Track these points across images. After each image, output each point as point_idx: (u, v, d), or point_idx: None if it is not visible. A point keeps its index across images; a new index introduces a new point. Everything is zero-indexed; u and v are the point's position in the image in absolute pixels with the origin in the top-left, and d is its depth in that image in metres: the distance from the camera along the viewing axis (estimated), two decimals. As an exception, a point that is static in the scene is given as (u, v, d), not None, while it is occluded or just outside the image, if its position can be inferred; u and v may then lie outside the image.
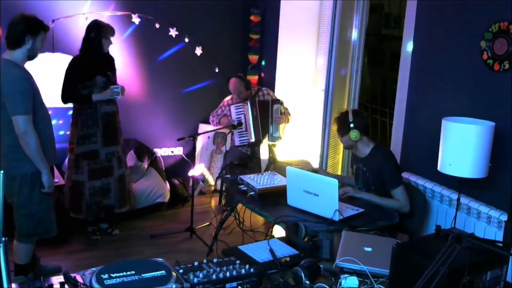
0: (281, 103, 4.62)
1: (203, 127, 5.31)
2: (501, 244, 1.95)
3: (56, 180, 4.03)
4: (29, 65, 3.20)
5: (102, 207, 4.15)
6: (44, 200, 3.22)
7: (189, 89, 5.42)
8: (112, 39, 4.05)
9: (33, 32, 3.07)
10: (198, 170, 5.15)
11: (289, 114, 4.70)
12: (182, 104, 5.41)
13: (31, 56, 3.14)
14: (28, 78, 3.07)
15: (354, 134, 3.15)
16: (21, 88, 3.00)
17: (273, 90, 5.20)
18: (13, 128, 3.01)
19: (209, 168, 5.44)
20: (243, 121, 4.57)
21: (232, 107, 4.64)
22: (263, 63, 5.60)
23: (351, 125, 3.15)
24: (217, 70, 5.44)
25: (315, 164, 4.80)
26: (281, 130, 4.65)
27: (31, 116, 3.03)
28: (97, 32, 3.95)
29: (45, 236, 3.32)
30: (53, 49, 4.47)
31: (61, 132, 4.75)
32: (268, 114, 4.53)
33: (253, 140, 4.55)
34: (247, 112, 4.52)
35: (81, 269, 1.80)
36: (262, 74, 5.62)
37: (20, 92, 2.99)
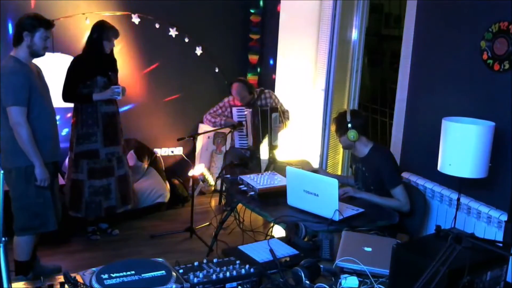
0: (280, 109, 4.54)
1: (203, 127, 5.30)
2: (501, 244, 1.95)
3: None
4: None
5: (103, 208, 4.15)
6: (40, 194, 3.22)
7: (189, 89, 5.42)
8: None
9: (30, 29, 3.11)
10: (198, 170, 5.15)
11: (288, 119, 4.67)
12: (182, 104, 5.41)
13: (34, 53, 3.17)
14: (24, 73, 3.10)
15: (352, 134, 3.15)
16: (14, 80, 3.05)
17: (273, 90, 5.20)
18: (8, 120, 3.07)
19: (209, 168, 5.44)
20: (244, 124, 4.55)
21: (234, 110, 4.62)
22: (263, 63, 5.60)
23: (349, 125, 3.14)
24: (217, 70, 5.45)
25: (315, 164, 4.80)
26: (279, 138, 4.61)
27: (24, 109, 3.07)
28: (100, 33, 3.96)
29: (41, 230, 3.32)
30: (53, 49, 4.47)
31: (63, 133, 4.74)
32: (267, 123, 4.49)
33: (251, 145, 4.54)
34: (249, 119, 4.50)
35: (81, 269, 1.80)
36: (263, 75, 5.61)
37: (13, 84, 3.04)
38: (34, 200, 3.21)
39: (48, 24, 3.20)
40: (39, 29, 3.14)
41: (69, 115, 4.75)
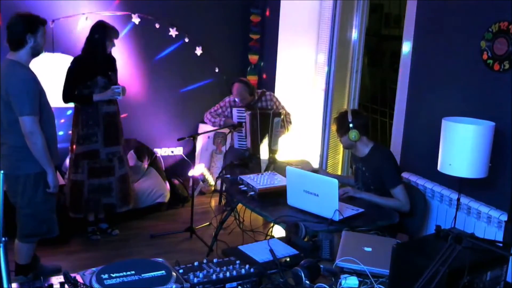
0: (283, 114, 4.50)
1: (203, 127, 5.31)
2: (501, 244, 1.95)
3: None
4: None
5: (102, 205, 4.16)
6: (47, 200, 3.22)
7: (189, 89, 5.43)
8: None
9: (33, 30, 3.06)
10: (198, 170, 5.15)
11: (290, 122, 4.64)
12: (182, 104, 5.41)
13: (36, 53, 3.13)
14: (34, 79, 3.08)
15: (353, 134, 3.15)
16: (28, 89, 3.00)
17: (273, 90, 5.20)
18: (17, 128, 3.01)
19: (209, 168, 5.44)
20: (243, 125, 4.55)
21: (235, 110, 4.61)
22: (262, 63, 5.61)
23: (350, 125, 3.14)
24: (217, 70, 5.45)
25: (315, 164, 4.80)
26: (279, 142, 4.59)
27: (37, 117, 3.03)
28: (102, 34, 3.95)
29: (48, 236, 3.32)
30: (53, 49, 4.47)
31: (61, 133, 4.74)
32: (268, 127, 4.46)
33: (249, 147, 4.53)
34: (248, 122, 4.48)
35: (81, 269, 1.80)
36: (264, 76, 5.61)
37: (27, 93, 2.99)
38: (42, 206, 3.21)
39: (44, 21, 3.17)
40: (40, 27, 3.11)
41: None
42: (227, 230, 4.12)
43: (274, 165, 4.09)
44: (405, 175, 3.54)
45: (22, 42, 3.05)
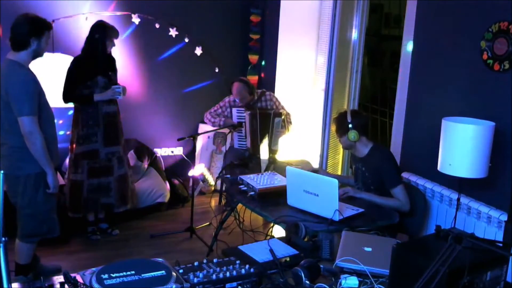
0: (283, 114, 4.49)
1: (203, 127, 5.31)
2: (501, 244, 1.95)
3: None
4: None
5: (100, 204, 4.16)
6: (48, 200, 3.22)
7: (189, 89, 5.43)
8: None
9: (38, 34, 3.05)
10: (198, 170, 5.15)
11: (290, 123, 4.64)
12: (182, 104, 5.41)
13: (36, 56, 3.13)
14: (34, 80, 3.07)
15: (352, 135, 3.15)
16: (28, 89, 3.00)
17: (273, 90, 5.20)
18: (18, 128, 3.01)
19: (209, 168, 5.44)
20: (243, 125, 4.54)
21: (234, 110, 4.61)
22: (263, 63, 5.61)
23: (350, 125, 3.14)
24: (217, 70, 5.45)
25: (315, 164, 4.80)
26: (280, 142, 4.59)
27: (36, 117, 3.03)
28: (102, 34, 3.95)
29: (48, 236, 3.33)
30: (53, 49, 4.47)
31: (61, 132, 4.74)
32: (269, 127, 4.44)
33: (249, 147, 4.53)
34: (247, 121, 4.48)
35: (81, 269, 1.80)
36: (262, 74, 5.62)
37: (26, 93, 2.99)
38: (43, 206, 3.20)
39: (50, 25, 3.18)
40: (45, 32, 3.10)
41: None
42: (227, 230, 4.12)
43: (274, 165, 4.09)
44: (405, 175, 3.54)
45: (26, 44, 3.04)
